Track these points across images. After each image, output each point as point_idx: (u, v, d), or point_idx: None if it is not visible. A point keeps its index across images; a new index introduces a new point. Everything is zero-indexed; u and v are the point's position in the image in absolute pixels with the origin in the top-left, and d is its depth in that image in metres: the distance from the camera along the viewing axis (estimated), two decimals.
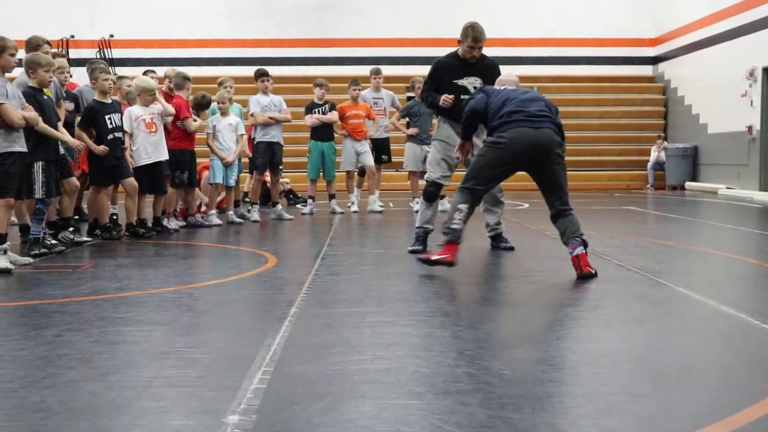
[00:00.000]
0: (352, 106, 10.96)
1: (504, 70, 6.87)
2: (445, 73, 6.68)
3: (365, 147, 10.95)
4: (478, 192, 5.63)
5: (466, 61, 6.66)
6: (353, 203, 11.05)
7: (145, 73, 9.04)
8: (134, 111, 8.12)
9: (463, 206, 5.52)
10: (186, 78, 8.90)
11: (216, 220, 9.13)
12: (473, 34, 6.54)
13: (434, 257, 5.56)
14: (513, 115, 5.50)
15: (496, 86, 5.97)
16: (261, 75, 10.05)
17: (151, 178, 8.18)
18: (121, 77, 9.32)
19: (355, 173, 11.20)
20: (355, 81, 11.15)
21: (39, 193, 6.48)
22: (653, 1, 20.35)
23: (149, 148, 8.12)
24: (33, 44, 7.18)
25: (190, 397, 2.86)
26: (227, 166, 9.17)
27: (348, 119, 10.91)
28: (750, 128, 15.45)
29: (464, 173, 5.81)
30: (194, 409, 2.73)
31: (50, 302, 4.65)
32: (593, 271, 5.39)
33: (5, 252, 5.88)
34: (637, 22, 20.45)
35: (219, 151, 9.10)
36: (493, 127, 5.59)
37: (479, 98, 5.80)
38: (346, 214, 10.58)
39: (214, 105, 9.44)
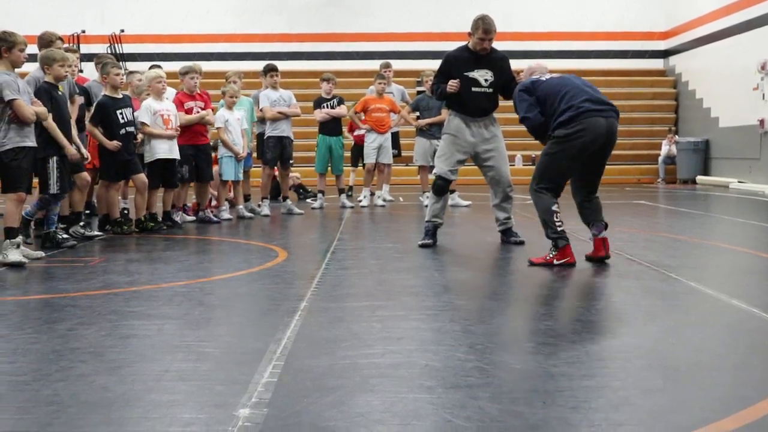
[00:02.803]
0: (376, 100, 10.93)
1: (514, 64, 6.86)
2: (455, 66, 6.65)
3: (388, 141, 10.93)
4: (560, 188, 5.70)
5: (477, 54, 6.64)
6: (365, 197, 11.05)
7: (150, 68, 9.07)
8: (153, 105, 8.12)
9: (556, 207, 5.61)
10: (180, 73, 8.97)
11: (226, 215, 9.14)
12: (483, 25, 6.52)
13: (556, 262, 5.53)
14: (584, 104, 5.41)
15: (535, 77, 5.82)
16: (270, 70, 10.03)
17: (164, 172, 8.20)
18: (131, 72, 9.33)
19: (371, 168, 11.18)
20: (381, 75, 11.08)
21: (54, 188, 6.50)
22: None
23: (164, 144, 8.14)
24: (45, 40, 7.18)
25: (201, 391, 2.87)
26: (240, 161, 9.16)
27: (371, 112, 10.88)
28: (762, 122, 15.36)
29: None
30: (205, 403, 2.74)
31: (62, 296, 4.68)
32: (609, 255, 5.71)
33: (18, 246, 5.91)
34: (648, 15, 20.34)
35: (233, 146, 9.08)
36: (563, 122, 5.41)
37: (529, 107, 5.59)
38: (355, 208, 10.59)
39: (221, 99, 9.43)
